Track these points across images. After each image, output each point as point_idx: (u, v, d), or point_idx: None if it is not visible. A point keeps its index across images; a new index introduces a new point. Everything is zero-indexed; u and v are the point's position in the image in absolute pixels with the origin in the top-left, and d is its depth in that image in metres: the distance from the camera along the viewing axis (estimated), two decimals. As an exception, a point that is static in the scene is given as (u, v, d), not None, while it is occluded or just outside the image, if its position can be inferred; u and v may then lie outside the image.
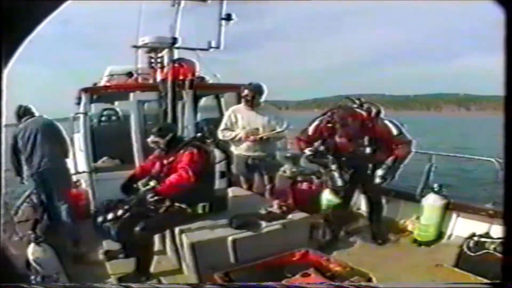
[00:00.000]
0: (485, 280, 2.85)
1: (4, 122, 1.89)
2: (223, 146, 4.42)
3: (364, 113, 4.02)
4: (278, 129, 4.72)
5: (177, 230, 3.60)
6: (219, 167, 4.09)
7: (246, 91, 4.74)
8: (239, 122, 4.79)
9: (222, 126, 4.82)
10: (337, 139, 4.06)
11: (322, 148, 4.07)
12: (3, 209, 2.87)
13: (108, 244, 4.00)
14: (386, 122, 4.01)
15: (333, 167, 4.03)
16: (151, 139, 3.90)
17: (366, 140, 3.97)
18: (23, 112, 4.45)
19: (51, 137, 4.43)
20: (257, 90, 4.76)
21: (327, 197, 4.25)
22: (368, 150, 3.98)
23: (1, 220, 2.78)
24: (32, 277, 2.78)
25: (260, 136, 4.67)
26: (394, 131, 3.96)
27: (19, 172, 4.48)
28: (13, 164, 4.42)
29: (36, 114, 4.54)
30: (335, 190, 4.16)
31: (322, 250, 3.68)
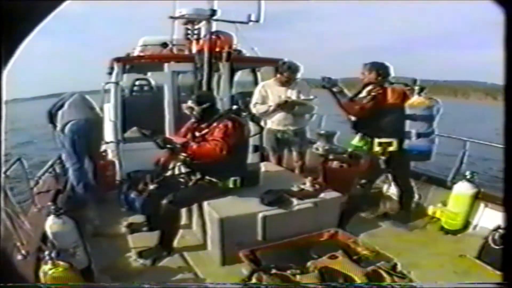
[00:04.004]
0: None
1: (4, 122, 1.83)
2: (258, 120, 4.40)
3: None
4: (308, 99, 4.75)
5: (205, 204, 3.58)
6: (252, 141, 4.08)
7: (286, 74, 4.72)
8: (269, 97, 4.79)
9: (254, 100, 4.83)
10: None
11: None
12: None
13: (131, 217, 4.04)
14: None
15: None
16: (187, 104, 3.78)
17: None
18: None
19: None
20: (296, 71, 4.76)
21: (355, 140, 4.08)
22: None
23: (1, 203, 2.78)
24: (47, 252, 2.68)
25: (288, 100, 4.68)
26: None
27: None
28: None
29: None
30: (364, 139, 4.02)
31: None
